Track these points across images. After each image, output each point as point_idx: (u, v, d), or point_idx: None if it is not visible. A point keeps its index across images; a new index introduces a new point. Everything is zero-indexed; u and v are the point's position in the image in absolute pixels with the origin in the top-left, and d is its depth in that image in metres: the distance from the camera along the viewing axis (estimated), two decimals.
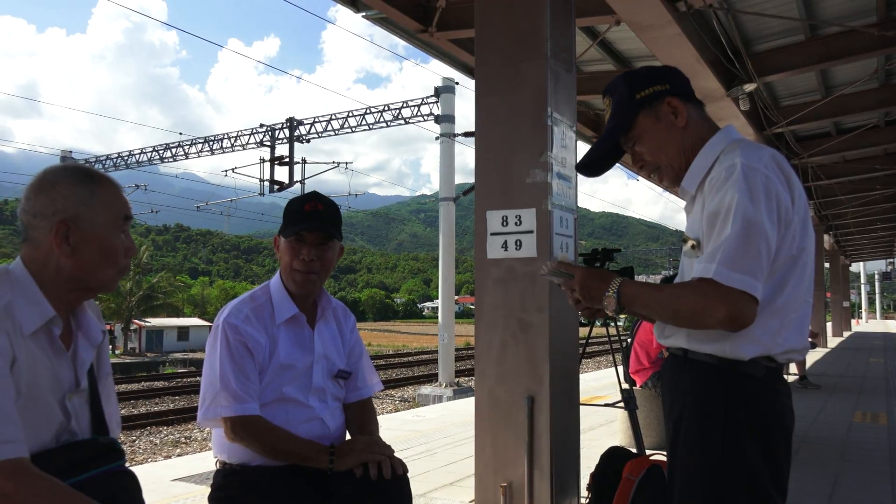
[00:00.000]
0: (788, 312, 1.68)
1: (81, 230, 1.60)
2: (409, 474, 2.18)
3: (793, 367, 11.09)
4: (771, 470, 1.66)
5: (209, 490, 2.32)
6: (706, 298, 1.59)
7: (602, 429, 6.83)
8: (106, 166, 27.98)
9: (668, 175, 1.86)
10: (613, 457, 3.44)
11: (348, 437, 2.44)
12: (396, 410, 15.50)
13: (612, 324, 4.84)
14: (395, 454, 2.18)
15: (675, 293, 1.69)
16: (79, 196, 1.61)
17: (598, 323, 5.00)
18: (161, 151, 26.94)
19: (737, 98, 7.45)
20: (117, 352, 41.83)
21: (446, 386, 18.38)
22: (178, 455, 11.29)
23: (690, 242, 1.75)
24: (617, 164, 2.06)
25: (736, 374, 1.68)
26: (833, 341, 24.69)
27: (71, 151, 29.92)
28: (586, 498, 3.51)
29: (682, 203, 1.91)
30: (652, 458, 3.28)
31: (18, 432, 1.43)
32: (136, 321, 45.79)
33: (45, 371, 1.57)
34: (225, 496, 2.25)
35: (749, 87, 7.30)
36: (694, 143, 1.81)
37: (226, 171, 24.35)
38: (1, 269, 1.61)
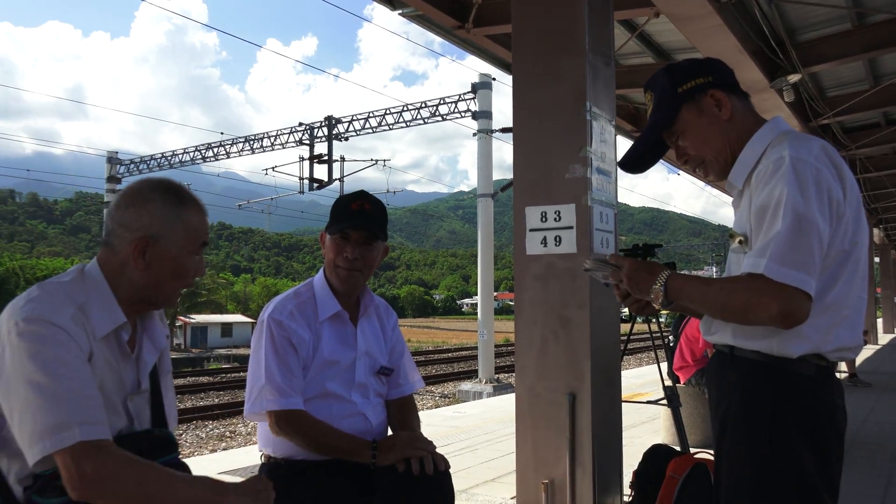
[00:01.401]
0: (840, 309, 1.64)
1: (159, 248, 1.65)
2: (450, 470, 2.19)
3: (842, 365, 10.82)
4: (821, 470, 1.62)
5: None
6: (757, 294, 1.55)
7: (644, 426, 6.75)
8: (150, 166, 28.57)
9: (714, 169, 1.83)
10: (657, 454, 3.40)
11: (390, 432, 2.46)
12: (437, 406, 15.56)
13: (654, 320, 4.79)
14: (437, 450, 2.19)
15: (724, 287, 1.65)
16: (165, 217, 1.66)
17: (639, 319, 4.94)
18: (203, 151, 27.40)
19: (781, 89, 7.27)
20: None
21: (486, 382, 18.36)
22: (224, 449, 11.49)
23: (738, 238, 1.71)
24: None
25: (784, 372, 1.65)
26: (884, 338, 23.99)
27: (117, 152, 30.62)
28: (629, 496, 3.48)
29: (726, 197, 1.87)
30: (696, 456, 3.23)
31: (104, 416, 1.49)
32: (182, 318, 46.74)
33: (112, 373, 1.63)
34: None
35: (793, 78, 7.12)
36: (739, 136, 1.78)
37: (266, 169, 24.68)
38: (76, 268, 1.67)
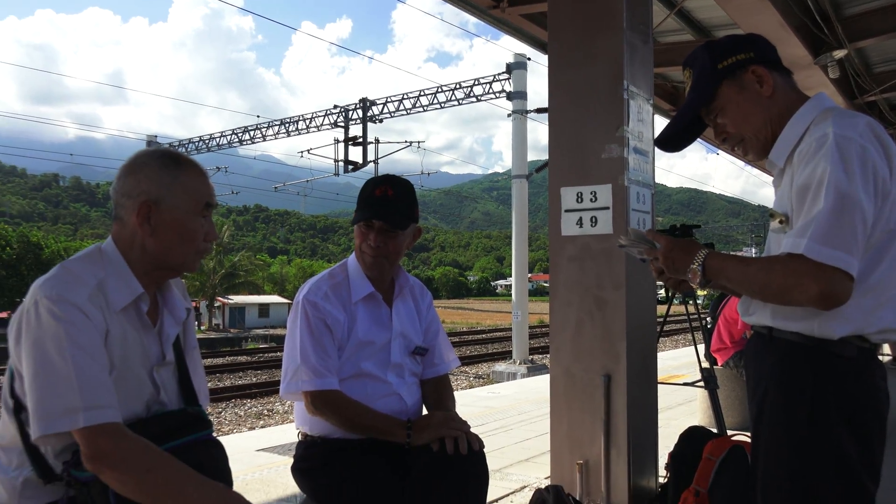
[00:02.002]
0: (885, 290, 1.59)
1: (161, 212, 1.68)
2: (484, 450, 2.20)
3: (885, 348, 10.54)
4: (862, 453, 1.59)
5: (291, 460, 2.41)
6: (797, 275, 1.52)
7: (681, 408, 6.70)
8: (188, 150, 28.99)
9: (754, 147, 1.79)
10: (693, 436, 3.38)
11: (425, 412, 2.48)
12: (471, 387, 15.62)
13: (692, 301, 4.73)
14: (471, 430, 2.20)
15: (763, 268, 1.62)
16: (162, 179, 1.68)
17: (676, 300, 4.89)
18: (240, 134, 27.71)
19: (825, 65, 7.06)
20: (202, 328, 43.61)
21: (520, 363, 18.38)
22: (262, 427, 11.71)
23: (779, 218, 1.68)
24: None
25: (824, 353, 1.61)
26: None
27: (156, 136, 31.18)
28: (665, 477, 3.46)
29: (766, 177, 1.83)
30: (734, 438, 3.20)
31: (113, 399, 1.53)
32: (220, 298, 47.58)
33: (135, 344, 1.67)
34: (307, 467, 2.34)
35: (839, 54, 6.90)
36: (781, 113, 1.73)
37: (301, 152, 24.89)
38: (94, 247, 1.71)
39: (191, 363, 1.85)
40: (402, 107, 23.38)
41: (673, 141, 1.93)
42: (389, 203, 2.30)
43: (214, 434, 1.83)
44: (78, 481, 1.52)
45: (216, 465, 1.74)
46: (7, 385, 1.60)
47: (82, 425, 1.47)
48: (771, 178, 1.84)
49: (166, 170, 1.70)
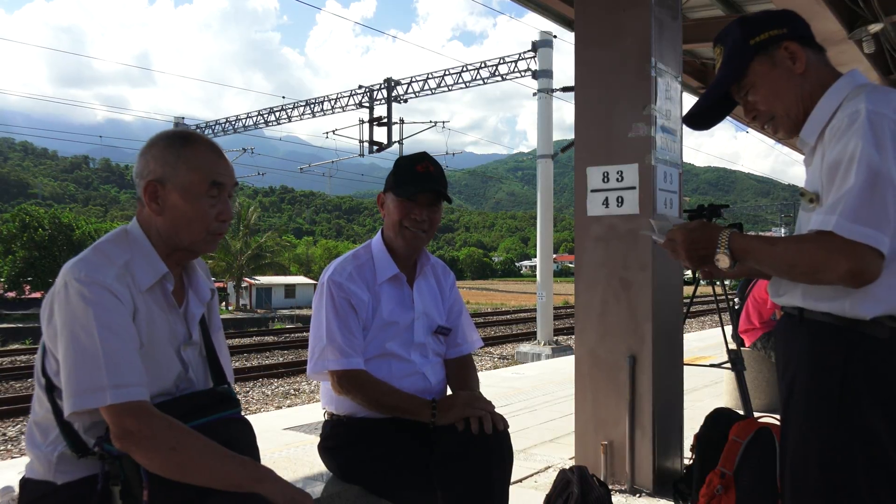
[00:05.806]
0: None
1: (167, 191, 1.69)
2: (509, 430, 2.21)
3: None
4: (893, 436, 1.57)
5: (318, 439, 2.44)
6: (826, 252, 1.49)
7: (707, 390, 6.65)
8: (215, 131, 29.19)
9: (785, 125, 1.75)
10: (719, 418, 3.35)
11: (449, 392, 2.49)
12: (495, 367, 15.65)
13: (718, 282, 4.67)
14: (496, 410, 2.21)
15: (791, 246, 1.59)
16: (166, 158, 1.69)
17: (703, 281, 4.83)
18: (265, 115, 27.82)
19: (860, 40, 6.89)
20: (230, 308, 44.11)
21: (545, 344, 18.37)
22: (288, 406, 11.86)
23: (809, 197, 1.64)
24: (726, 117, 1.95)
25: (855, 334, 1.58)
26: None
27: (183, 118, 31.37)
28: (690, 459, 3.45)
29: (797, 155, 1.79)
30: (760, 420, 3.17)
31: (141, 377, 1.56)
32: (247, 279, 48.08)
33: (162, 323, 1.70)
34: (334, 445, 2.37)
35: (874, 28, 6.72)
36: (813, 91, 1.69)
37: (326, 133, 24.94)
38: (121, 229, 1.74)
39: (216, 344, 1.88)
40: (426, 87, 23.27)
41: (702, 118, 1.90)
42: (433, 178, 2.34)
43: (242, 413, 1.86)
44: (111, 455, 1.56)
45: (245, 442, 1.77)
46: (39, 363, 1.64)
47: (109, 403, 1.51)
48: (801, 157, 1.80)
49: (171, 148, 1.70)
